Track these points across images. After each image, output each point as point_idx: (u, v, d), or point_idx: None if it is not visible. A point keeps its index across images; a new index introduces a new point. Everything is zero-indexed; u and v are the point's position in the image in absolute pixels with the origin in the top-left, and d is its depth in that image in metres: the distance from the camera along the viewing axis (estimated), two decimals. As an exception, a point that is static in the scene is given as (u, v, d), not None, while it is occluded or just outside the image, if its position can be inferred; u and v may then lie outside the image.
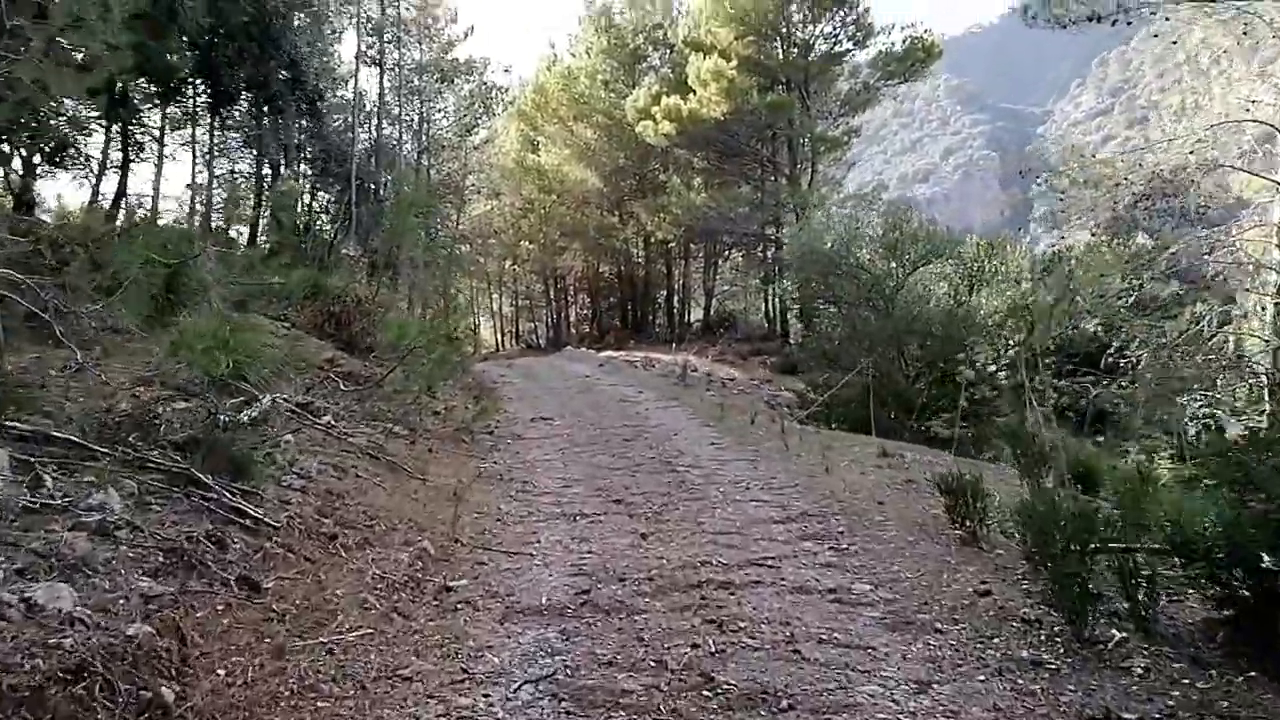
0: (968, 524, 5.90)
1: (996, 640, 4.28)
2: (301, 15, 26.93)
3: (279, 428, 6.94)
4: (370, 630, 4.35)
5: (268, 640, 3.97)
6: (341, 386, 11.29)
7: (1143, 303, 13.95)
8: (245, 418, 6.39)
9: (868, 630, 4.48)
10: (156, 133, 29.01)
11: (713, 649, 4.24)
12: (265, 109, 26.85)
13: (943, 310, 14.64)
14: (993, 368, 13.30)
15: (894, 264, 14.88)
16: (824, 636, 4.38)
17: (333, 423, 7.89)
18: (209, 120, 31.37)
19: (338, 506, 5.91)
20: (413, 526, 6.12)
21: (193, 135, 32.12)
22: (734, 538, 6.26)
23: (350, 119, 30.43)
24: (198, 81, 27.27)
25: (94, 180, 27.62)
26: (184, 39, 21.00)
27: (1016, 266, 15.46)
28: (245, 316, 14.17)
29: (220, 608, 4.09)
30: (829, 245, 15.91)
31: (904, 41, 30.32)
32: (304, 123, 32.26)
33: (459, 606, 4.92)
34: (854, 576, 5.33)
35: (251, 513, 4.96)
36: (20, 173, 26.16)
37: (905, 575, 5.30)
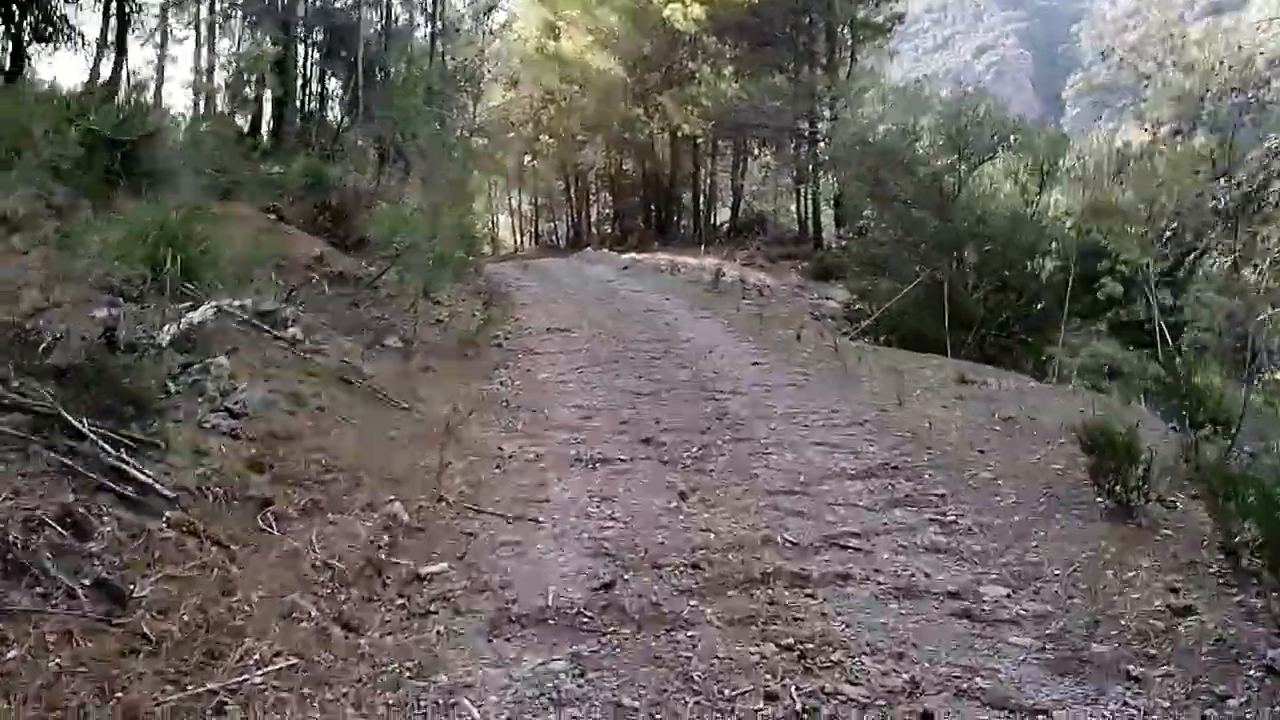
0: (1117, 490, 4.41)
1: (1233, 703, 2.82)
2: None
3: (219, 345, 5.48)
4: (293, 660, 2.95)
5: (119, 695, 2.56)
6: (326, 290, 9.85)
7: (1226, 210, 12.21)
8: (164, 334, 4.89)
9: (1025, 674, 3.03)
10: (157, 9, 27.09)
11: (798, 707, 2.82)
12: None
13: (1010, 212, 12.91)
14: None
15: (956, 157, 13.13)
16: (962, 684, 2.94)
17: (299, 336, 6.43)
18: (208, -2, 29.36)
19: (282, 455, 4.48)
20: (384, 480, 4.70)
21: (196, 14, 30.22)
22: (800, 500, 4.81)
23: (356, -4, 28.26)
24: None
25: (91, 60, 25.82)
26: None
27: (1091, 162, 13.65)
28: (226, 206, 12.69)
29: (52, 639, 2.68)
30: (882, 135, 14.08)
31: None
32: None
33: (433, 609, 3.52)
34: (978, 569, 3.88)
35: (137, 474, 3.51)
36: (7, 47, 24.43)
37: (1050, 570, 3.84)
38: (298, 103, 31.77)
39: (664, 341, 10.34)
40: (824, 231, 32.13)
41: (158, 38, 31.90)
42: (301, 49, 31.88)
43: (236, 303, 6.35)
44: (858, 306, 13.55)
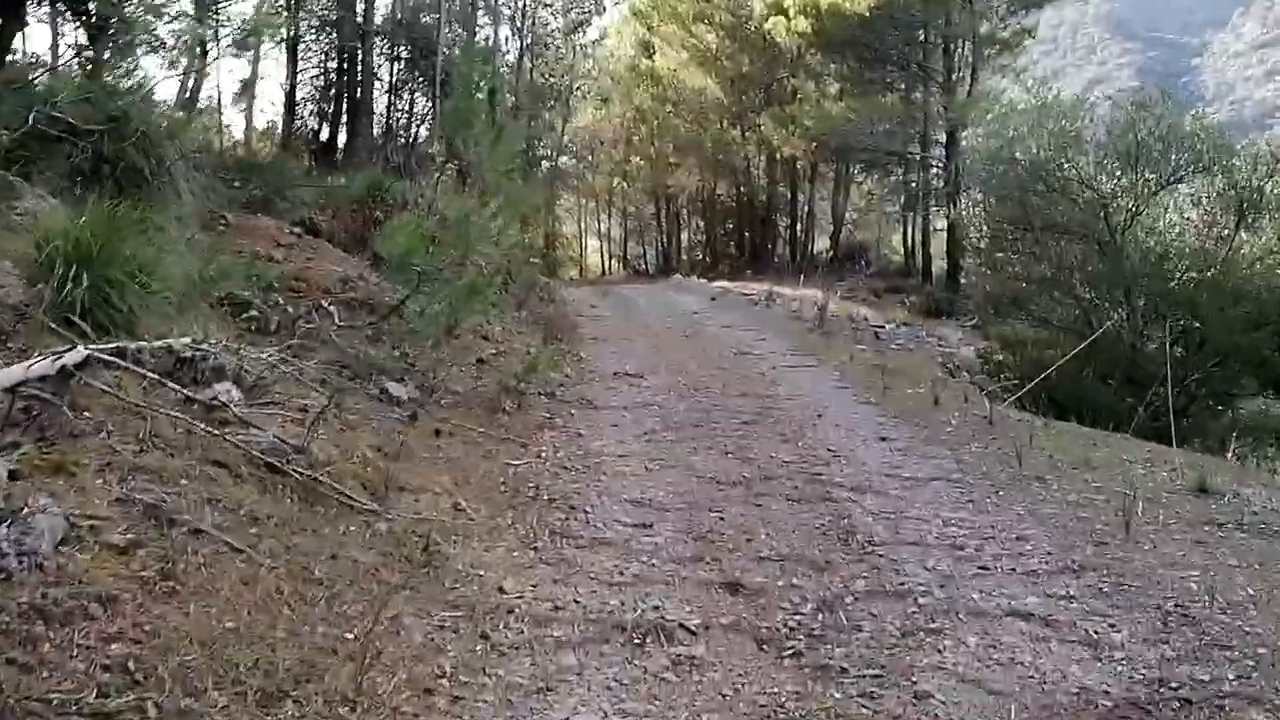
0: None
1: None
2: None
3: (57, 421, 3.43)
4: None
5: None
6: (335, 320, 7.85)
7: None
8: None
9: None
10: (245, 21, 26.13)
11: None
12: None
13: (1198, 249, 10.30)
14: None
15: (1134, 179, 10.60)
16: None
17: (226, 397, 4.35)
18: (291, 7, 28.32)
19: (44, 658, 2.35)
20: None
21: (285, 28, 29.20)
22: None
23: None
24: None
25: (177, 71, 24.81)
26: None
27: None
28: (246, 220, 10.89)
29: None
30: (1034, 150, 11.58)
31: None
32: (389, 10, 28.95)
33: None
34: None
35: None
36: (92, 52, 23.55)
37: None
38: (379, 116, 30.53)
39: (759, 398, 8.09)
40: (933, 264, 29.60)
41: (250, 51, 31.09)
42: (385, 63, 30.70)
43: (134, 345, 4.33)
44: (998, 358, 11.08)
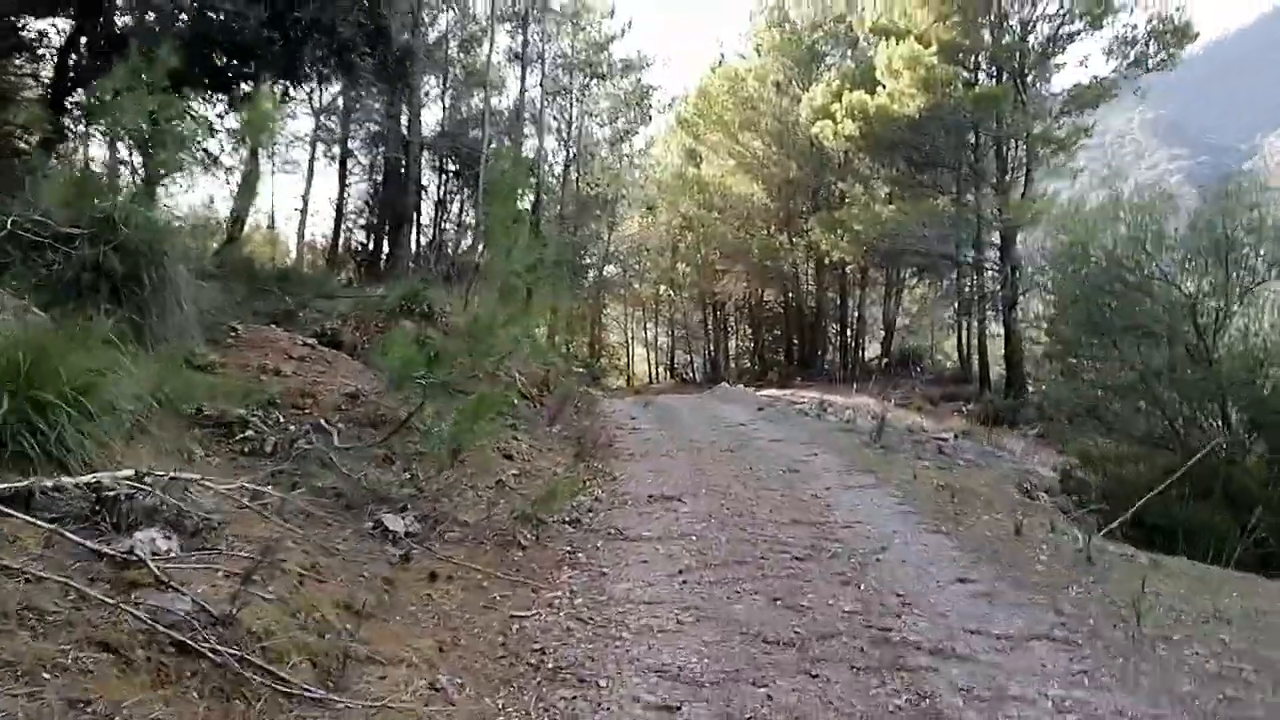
0: None
1: None
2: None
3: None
4: None
5: None
6: (336, 439, 7.07)
7: None
8: None
9: None
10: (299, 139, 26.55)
11: None
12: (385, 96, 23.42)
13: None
14: None
15: (1225, 276, 9.59)
16: None
17: (157, 548, 3.50)
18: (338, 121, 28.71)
19: None
20: None
21: (340, 148, 29.57)
22: None
23: (482, 112, 26.87)
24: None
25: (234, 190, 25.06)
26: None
27: None
28: (258, 331, 10.27)
29: None
30: (1113, 245, 10.61)
31: (1149, 22, 24.59)
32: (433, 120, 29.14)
33: None
34: None
35: None
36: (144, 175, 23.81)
37: None
38: (425, 227, 30.52)
39: (813, 526, 7.08)
40: (990, 371, 28.52)
41: (304, 167, 31.57)
42: (432, 175, 30.83)
43: (49, 483, 3.53)
44: (1079, 475, 9.93)
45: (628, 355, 49.03)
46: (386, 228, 27.16)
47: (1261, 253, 9.66)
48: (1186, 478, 9.09)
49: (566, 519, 7.25)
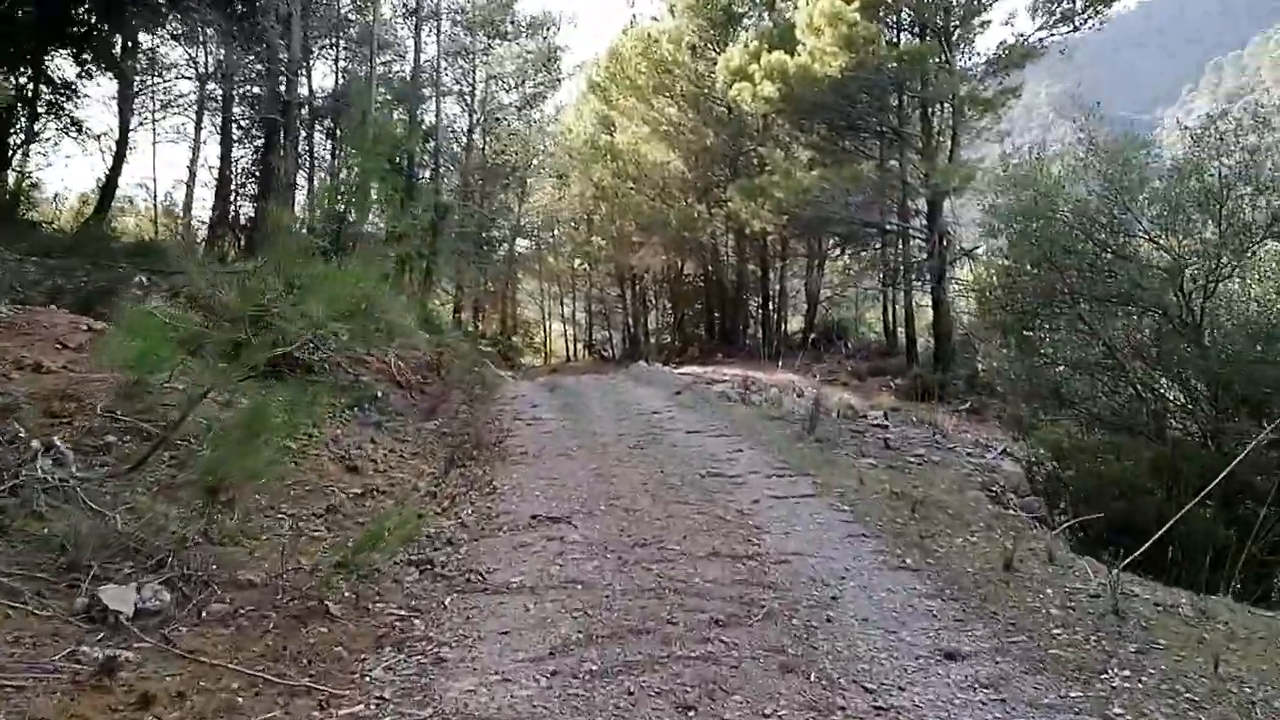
0: None
1: None
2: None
3: None
4: None
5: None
6: (74, 464, 5.14)
7: None
8: None
9: None
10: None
11: None
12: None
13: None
14: None
15: (1216, 234, 8.12)
16: None
17: None
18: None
19: None
20: None
21: (222, 114, 27.06)
22: None
23: (369, 73, 24.55)
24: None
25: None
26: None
27: None
28: (28, 309, 8.16)
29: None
30: (1090, 200, 9.02)
31: (1078, -25, 23.42)
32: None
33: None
34: None
35: None
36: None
37: None
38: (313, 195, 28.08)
39: (739, 562, 5.39)
40: (917, 344, 27.35)
41: (191, 136, 28.81)
42: (322, 140, 28.58)
43: None
44: (1050, 470, 8.36)
45: (545, 332, 47.09)
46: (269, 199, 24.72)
47: (1260, 205, 8.21)
48: (1178, 474, 7.69)
49: (413, 558, 5.45)
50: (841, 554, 5.54)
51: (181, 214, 28.55)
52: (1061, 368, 9.46)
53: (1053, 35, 24.55)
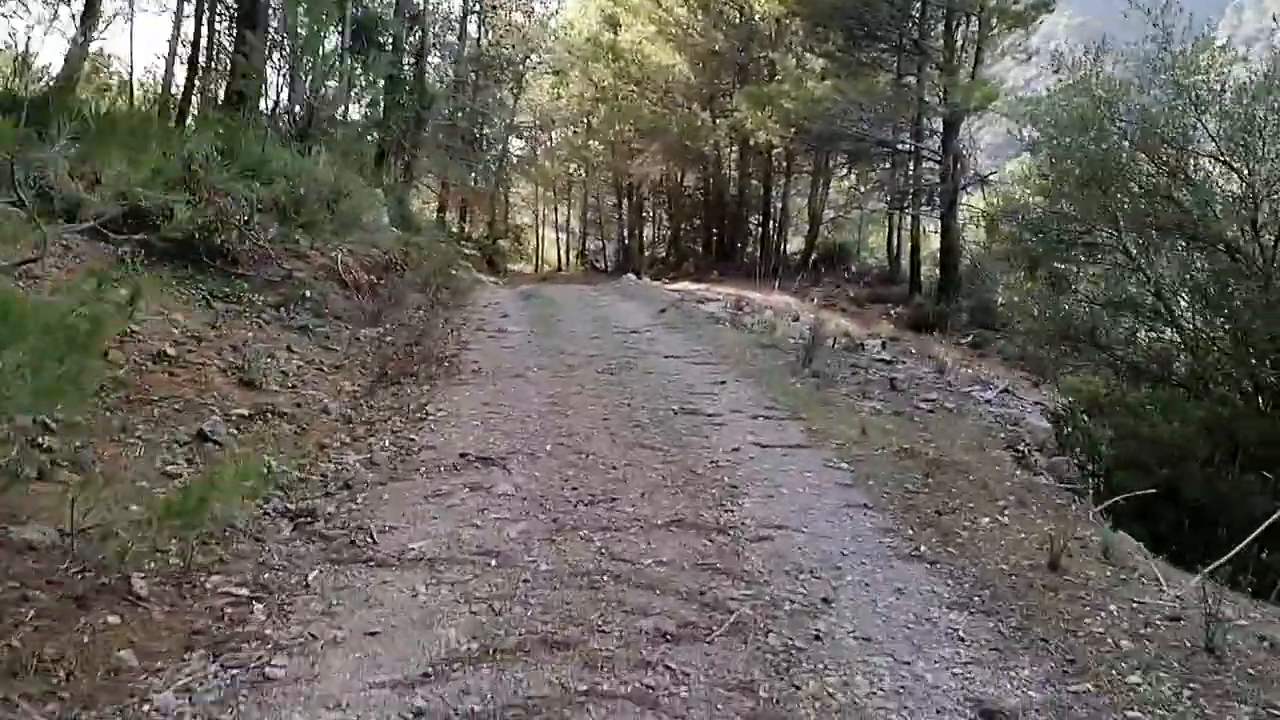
0: None
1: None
2: None
3: None
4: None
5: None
6: None
7: None
8: None
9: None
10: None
11: None
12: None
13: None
14: None
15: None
16: None
17: None
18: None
19: None
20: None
21: None
22: None
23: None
24: None
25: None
26: None
27: None
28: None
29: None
30: (1158, 110, 7.58)
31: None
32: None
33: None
34: None
35: None
36: None
37: None
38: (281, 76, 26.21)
39: (706, 536, 4.21)
40: (920, 272, 26.04)
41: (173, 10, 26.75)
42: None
43: None
44: (1084, 429, 7.06)
45: (537, 239, 45.46)
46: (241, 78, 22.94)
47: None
48: (1232, 438, 6.51)
49: (290, 507, 4.25)
50: (837, 531, 4.35)
51: (160, 90, 26.78)
52: (1098, 306, 8.18)
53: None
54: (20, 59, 19.44)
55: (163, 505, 3.42)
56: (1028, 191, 10.96)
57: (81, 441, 4.28)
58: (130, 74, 27.63)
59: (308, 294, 8.30)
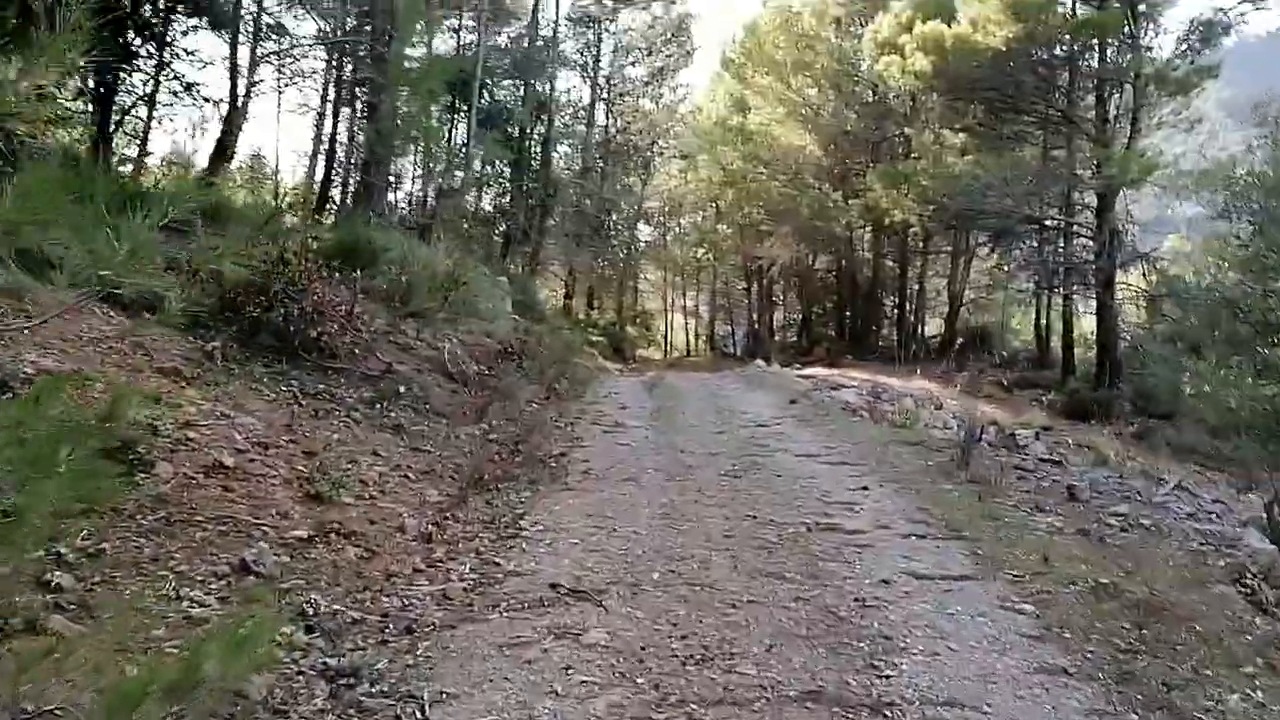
0: None
1: None
2: None
3: None
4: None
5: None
6: None
7: None
8: None
9: None
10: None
11: None
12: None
13: None
14: None
15: None
16: None
17: None
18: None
19: None
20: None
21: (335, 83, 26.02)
22: None
23: (477, 34, 22.77)
24: None
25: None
26: None
27: None
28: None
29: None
30: None
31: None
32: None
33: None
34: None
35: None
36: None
37: None
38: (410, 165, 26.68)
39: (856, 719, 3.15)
40: (1074, 354, 24.30)
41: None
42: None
43: None
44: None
45: (666, 324, 44.99)
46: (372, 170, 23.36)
47: None
48: None
49: (334, 666, 3.43)
50: (1033, 712, 3.24)
51: (304, 184, 27.68)
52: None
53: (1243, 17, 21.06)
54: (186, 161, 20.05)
55: (125, 684, 2.63)
56: (1214, 263, 9.59)
57: (100, 576, 3.59)
58: (276, 170, 28.71)
59: (405, 388, 7.68)
